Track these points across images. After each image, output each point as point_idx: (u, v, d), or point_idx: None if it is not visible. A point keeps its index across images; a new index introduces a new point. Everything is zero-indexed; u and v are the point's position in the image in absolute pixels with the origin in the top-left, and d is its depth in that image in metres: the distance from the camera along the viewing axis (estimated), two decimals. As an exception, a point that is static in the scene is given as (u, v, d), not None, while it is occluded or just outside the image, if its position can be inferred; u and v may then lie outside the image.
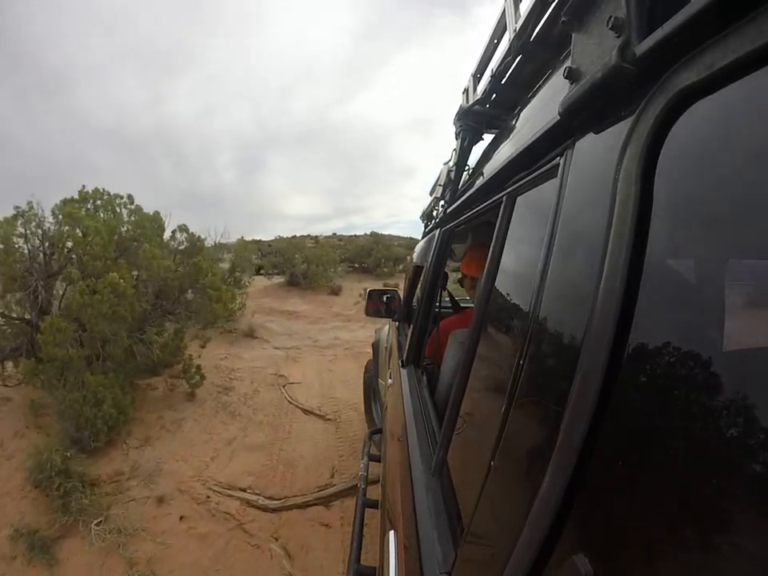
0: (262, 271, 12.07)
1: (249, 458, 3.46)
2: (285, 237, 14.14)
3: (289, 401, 4.54)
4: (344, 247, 14.65)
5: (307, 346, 6.69)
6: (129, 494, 3.04)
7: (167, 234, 5.26)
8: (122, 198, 4.75)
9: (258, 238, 13.85)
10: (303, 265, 11.05)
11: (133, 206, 4.80)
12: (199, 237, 5.49)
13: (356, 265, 13.55)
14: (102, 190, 4.63)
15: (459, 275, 2.11)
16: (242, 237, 8.43)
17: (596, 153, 0.46)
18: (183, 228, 5.39)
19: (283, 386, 4.94)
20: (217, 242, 7.58)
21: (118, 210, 4.70)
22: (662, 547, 0.28)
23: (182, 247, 5.37)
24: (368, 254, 13.41)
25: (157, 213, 5.02)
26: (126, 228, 4.62)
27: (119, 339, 3.87)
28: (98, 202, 4.58)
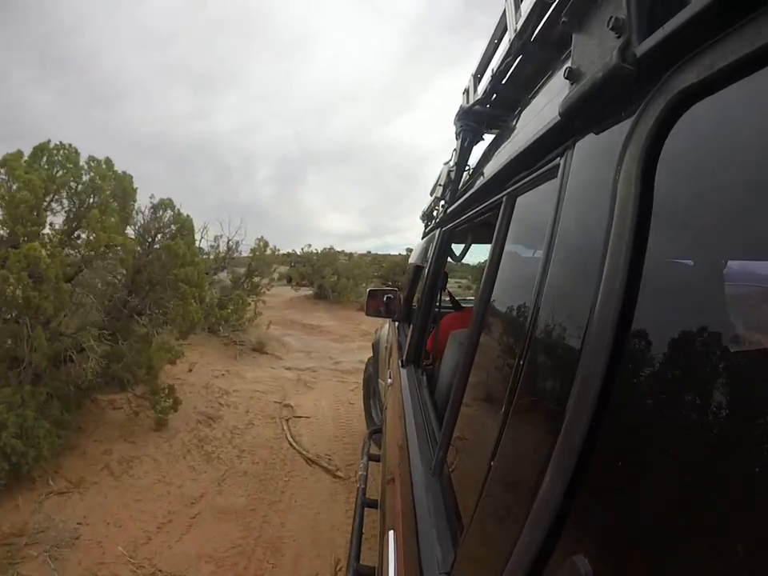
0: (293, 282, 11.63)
1: (214, 531, 2.32)
2: (314, 249, 13.17)
3: (290, 443, 3.37)
4: (378, 263, 14.24)
5: (326, 368, 5.57)
6: (19, 568, 1.99)
7: (146, 211, 4.10)
8: (97, 161, 3.55)
9: (292, 251, 13.24)
10: (333, 277, 10.39)
11: (111, 173, 3.53)
12: (188, 216, 4.33)
13: (389, 282, 13.08)
14: (68, 146, 3.43)
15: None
16: (262, 237, 7.65)
17: (596, 153, 0.46)
18: (168, 204, 4.21)
19: (287, 420, 3.80)
20: (231, 240, 6.99)
21: (85, 172, 3.46)
22: (661, 547, 0.28)
23: (166, 230, 4.20)
24: (402, 270, 12.65)
25: (126, 175, 3.71)
26: (80, 187, 3.33)
27: (38, 339, 2.68)
28: (56, 158, 3.35)
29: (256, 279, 7.46)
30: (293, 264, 12.53)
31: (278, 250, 8.28)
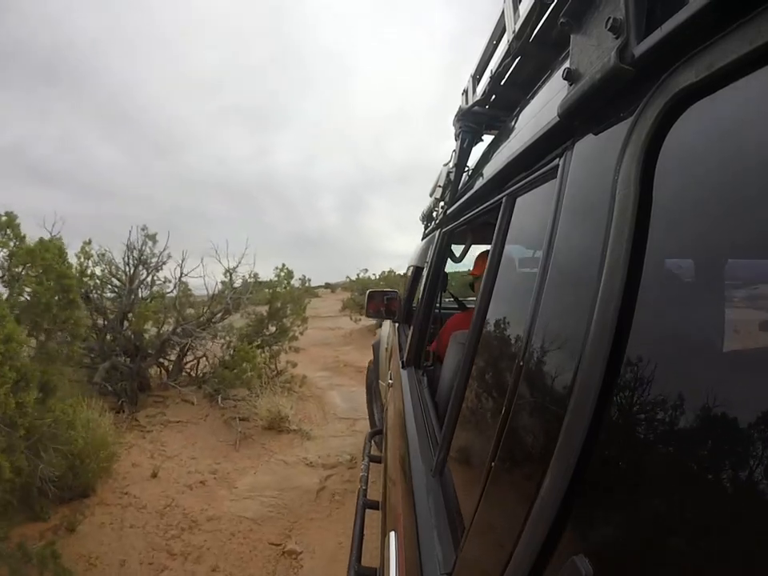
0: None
1: None
2: (371, 275, 11.74)
3: None
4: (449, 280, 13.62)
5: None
6: None
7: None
8: None
9: (346, 278, 12.13)
10: (394, 304, 9.29)
11: None
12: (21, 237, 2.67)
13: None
14: None
15: (467, 281, 2.07)
16: (284, 265, 5.60)
17: (595, 154, 0.46)
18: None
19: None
20: (233, 272, 5.07)
21: None
22: (661, 547, 0.28)
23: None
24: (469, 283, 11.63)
25: None
26: None
27: None
28: None
29: (286, 321, 5.53)
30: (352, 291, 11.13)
31: (309, 280, 6.29)
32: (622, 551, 0.31)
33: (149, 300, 4.78)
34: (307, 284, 6.30)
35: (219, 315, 5.12)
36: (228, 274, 5.20)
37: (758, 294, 0.28)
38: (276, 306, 5.43)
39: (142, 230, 4.83)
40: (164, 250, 4.92)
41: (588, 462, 0.35)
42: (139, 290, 4.85)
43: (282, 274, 5.55)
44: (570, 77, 0.48)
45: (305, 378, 5.29)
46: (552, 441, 0.38)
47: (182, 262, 5.08)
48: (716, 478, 0.25)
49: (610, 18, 0.37)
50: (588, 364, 0.36)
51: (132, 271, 4.82)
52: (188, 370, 5.11)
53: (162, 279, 5.06)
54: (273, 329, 5.49)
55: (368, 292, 3.00)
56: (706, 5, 0.27)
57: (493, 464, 0.53)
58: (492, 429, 0.56)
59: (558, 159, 0.55)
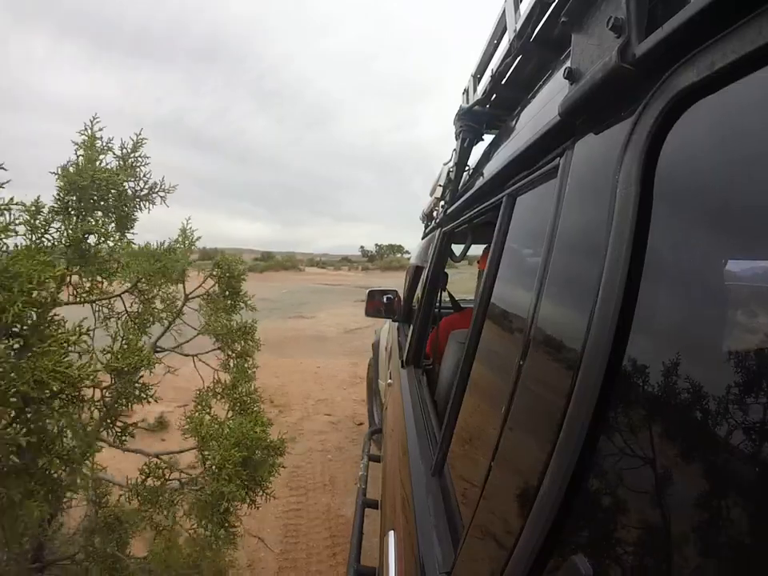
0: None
1: None
2: None
3: None
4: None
5: None
6: None
7: None
8: None
9: None
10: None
11: None
12: None
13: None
14: None
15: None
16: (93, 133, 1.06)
17: (596, 153, 0.46)
18: None
19: None
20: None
21: None
22: (661, 547, 0.28)
23: None
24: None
25: None
26: None
27: None
28: None
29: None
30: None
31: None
32: (622, 551, 0.31)
33: None
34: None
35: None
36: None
37: (758, 293, 0.28)
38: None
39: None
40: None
41: (588, 461, 0.35)
42: None
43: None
44: (571, 76, 0.48)
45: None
46: (552, 440, 0.38)
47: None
48: (716, 477, 0.25)
49: (611, 17, 0.37)
50: (588, 364, 0.36)
51: None
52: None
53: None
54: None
55: (368, 291, 3.00)
56: (708, 4, 0.27)
57: (492, 463, 0.53)
58: (491, 428, 0.56)
59: (558, 159, 0.55)
